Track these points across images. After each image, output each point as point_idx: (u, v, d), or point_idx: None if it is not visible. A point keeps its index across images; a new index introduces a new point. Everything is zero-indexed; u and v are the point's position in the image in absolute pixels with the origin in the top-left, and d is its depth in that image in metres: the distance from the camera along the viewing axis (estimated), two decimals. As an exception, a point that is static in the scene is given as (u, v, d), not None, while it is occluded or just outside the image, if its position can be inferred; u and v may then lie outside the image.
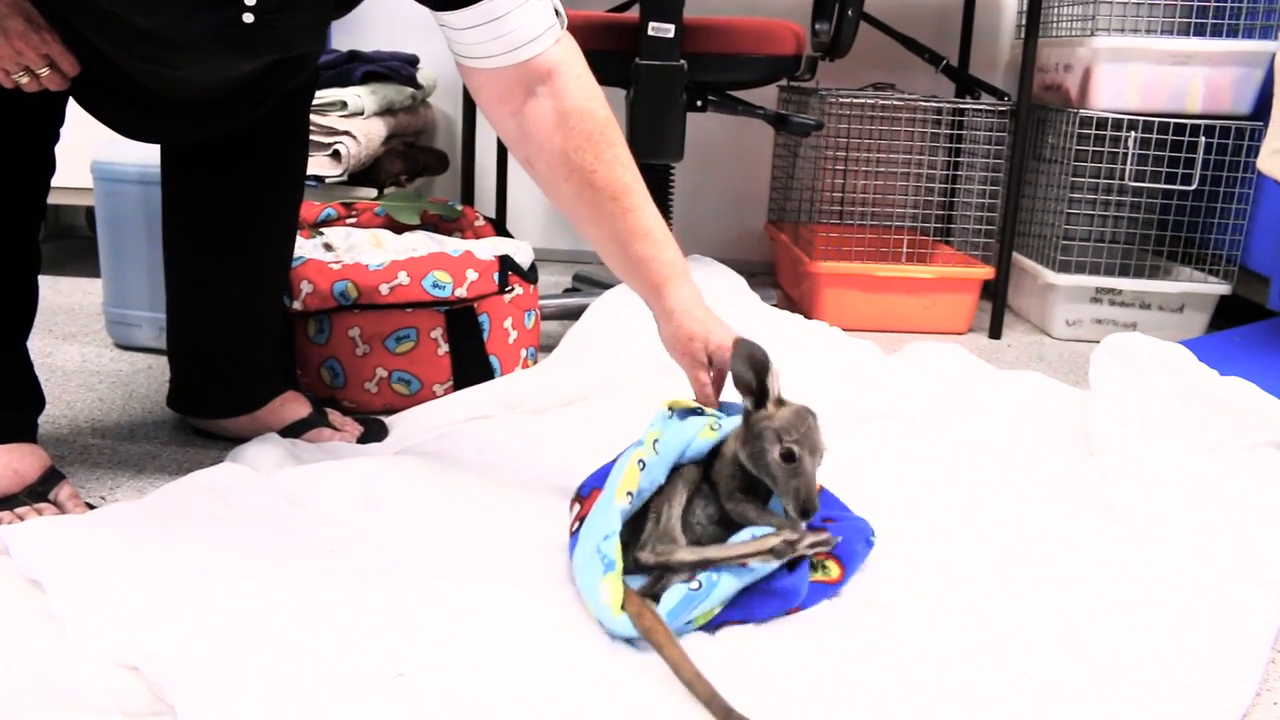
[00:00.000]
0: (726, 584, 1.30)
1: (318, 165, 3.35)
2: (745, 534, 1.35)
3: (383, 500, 1.68)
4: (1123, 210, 3.20)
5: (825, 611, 1.38)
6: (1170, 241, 3.25)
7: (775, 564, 1.31)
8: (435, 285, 2.09)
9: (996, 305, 3.14)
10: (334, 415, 2.02)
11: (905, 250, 3.16)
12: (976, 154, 3.37)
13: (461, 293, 2.11)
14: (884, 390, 2.24)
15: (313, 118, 3.32)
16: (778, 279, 3.73)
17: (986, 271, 3.15)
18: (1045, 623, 1.39)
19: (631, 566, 1.35)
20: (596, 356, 2.31)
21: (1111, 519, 1.73)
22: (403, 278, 2.07)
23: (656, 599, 1.31)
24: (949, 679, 1.25)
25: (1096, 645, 1.34)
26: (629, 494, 1.37)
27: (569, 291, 3.15)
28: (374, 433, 2.00)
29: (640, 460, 1.39)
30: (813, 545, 1.32)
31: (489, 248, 2.24)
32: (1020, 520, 1.71)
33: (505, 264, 2.19)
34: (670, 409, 1.47)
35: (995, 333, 3.15)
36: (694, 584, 1.29)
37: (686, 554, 1.33)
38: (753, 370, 1.40)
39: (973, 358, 2.50)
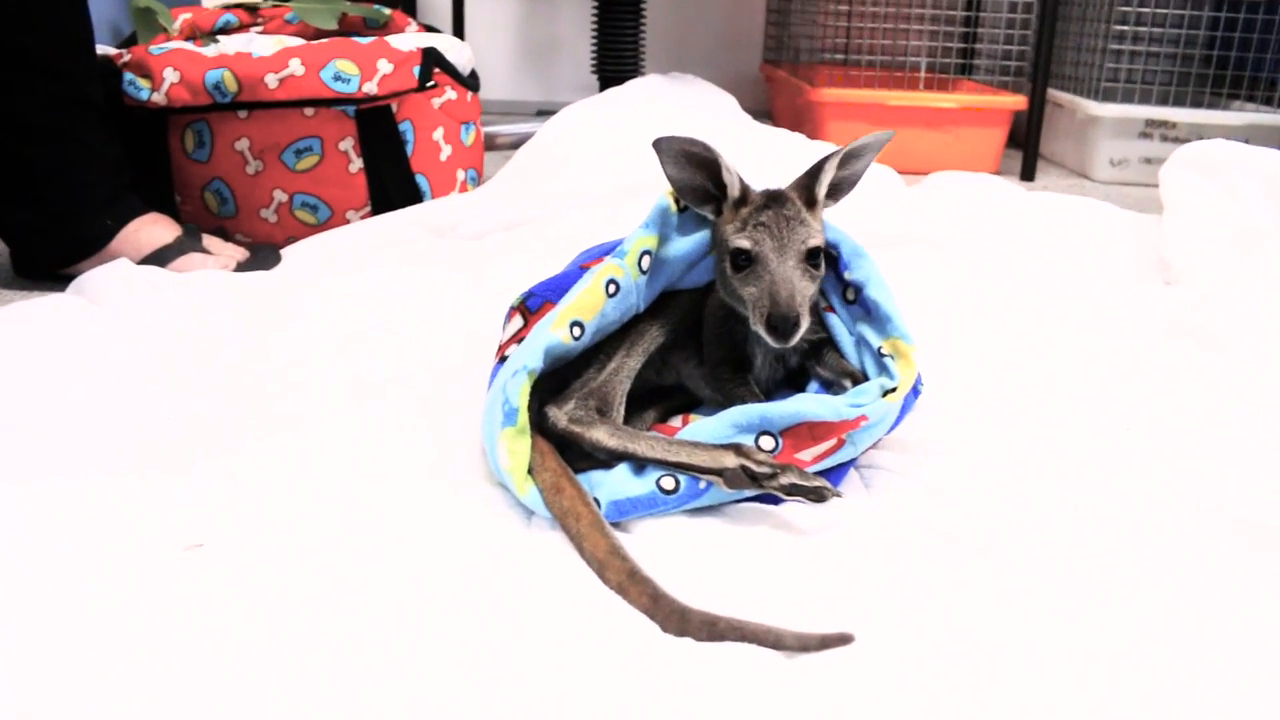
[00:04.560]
0: (714, 497, 0.88)
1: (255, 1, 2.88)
2: (726, 421, 0.91)
3: (244, 333, 1.27)
4: (1179, 27, 2.73)
5: (849, 484, 0.96)
6: (1235, 65, 2.78)
7: (728, 493, 0.87)
8: (337, 78, 1.64)
9: (1029, 140, 2.69)
10: (210, 240, 1.59)
11: (924, 74, 2.71)
12: (1005, -30, 2.89)
13: (371, 88, 1.66)
14: (909, 213, 1.81)
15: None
16: (775, 124, 3.27)
17: (1018, 100, 2.70)
18: (1147, 467, 0.99)
19: (535, 422, 0.92)
20: (550, 176, 1.86)
21: (1208, 347, 1.32)
22: (295, 67, 1.63)
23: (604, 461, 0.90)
24: (1032, 546, 0.85)
25: (1210, 489, 0.95)
26: (577, 325, 0.93)
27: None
28: (260, 259, 1.58)
29: (611, 281, 0.95)
30: (788, 488, 0.85)
31: (412, 40, 1.79)
32: (1098, 353, 1.30)
33: (430, 57, 1.74)
34: (675, 201, 1.00)
35: (1028, 174, 2.70)
36: (669, 482, 0.87)
37: (605, 435, 0.90)
38: (695, 167, 0.97)
39: (1010, 184, 2.07)
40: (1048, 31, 2.61)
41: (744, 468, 0.85)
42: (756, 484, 0.85)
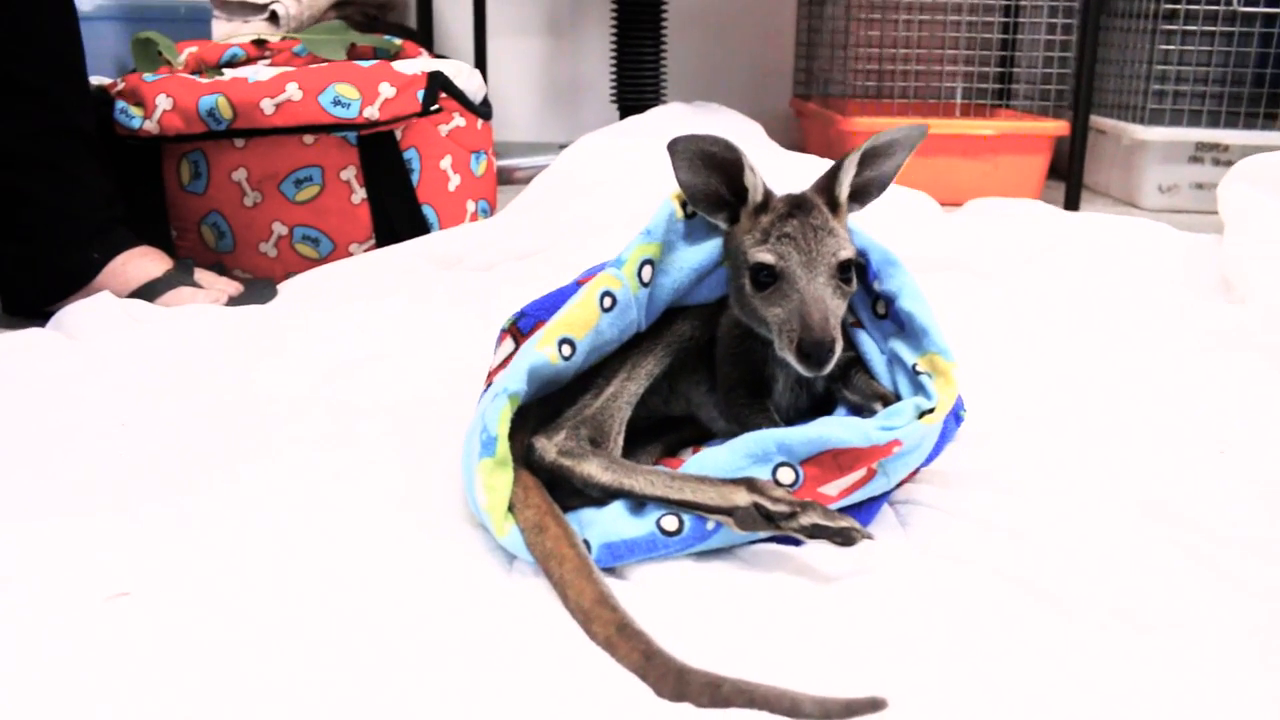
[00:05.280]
0: (724, 539, 0.76)
1: (255, 31, 2.84)
2: (739, 451, 0.80)
3: (223, 367, 1.18)
4: (1229, 44, 2.61)
5: (883, 522, 0.84)
6: (1288, 83, 2.65)
7: (740, 535, 0.75)
8: (337, 102, 1.56)
9: (1073, 167, 2.56)
10: (203, 274, 1.51)
11: (959, 101, 2.60)
12: (1042, -6, 2.79)
13: (372, 112, 1.58)
14: (947, 238, 1.69)
15: (247, -26, 2.82)
16: (806, 160, 3.17)
17: (1059, 126, 2.58)
18: (1229, 494, 0.87)
19: (522, 453, 0.82)
20: (566, 204, 1.77)
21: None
22: (293, 91, 1.55)
23: (600, 497, 0.79)
24: (1102, 587, 0.73)
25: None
26: (566, 343, 0.83)
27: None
28: (253, 294, 1.49)
29: (607, 293, 0.85)
30: (809, 529, 0.73)
31: (418, 65, 1.71)
32: (1160, 375, 1.18)
33: (435, 81, 1.66)
34: (683, 206, 0.90)
35: (1072, 203, 2.57)
36: (671, 522, 0.75)
37: (598, 469, 0.79)
38: (711, 169, 0.86)
39: (1053, 209, 1.95)
40: (1089, 55, 2.50)
41: (757, 506, 0.73)
42: (773, 525, 0.73)
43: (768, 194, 0.88)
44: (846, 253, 0.85)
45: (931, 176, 2.55)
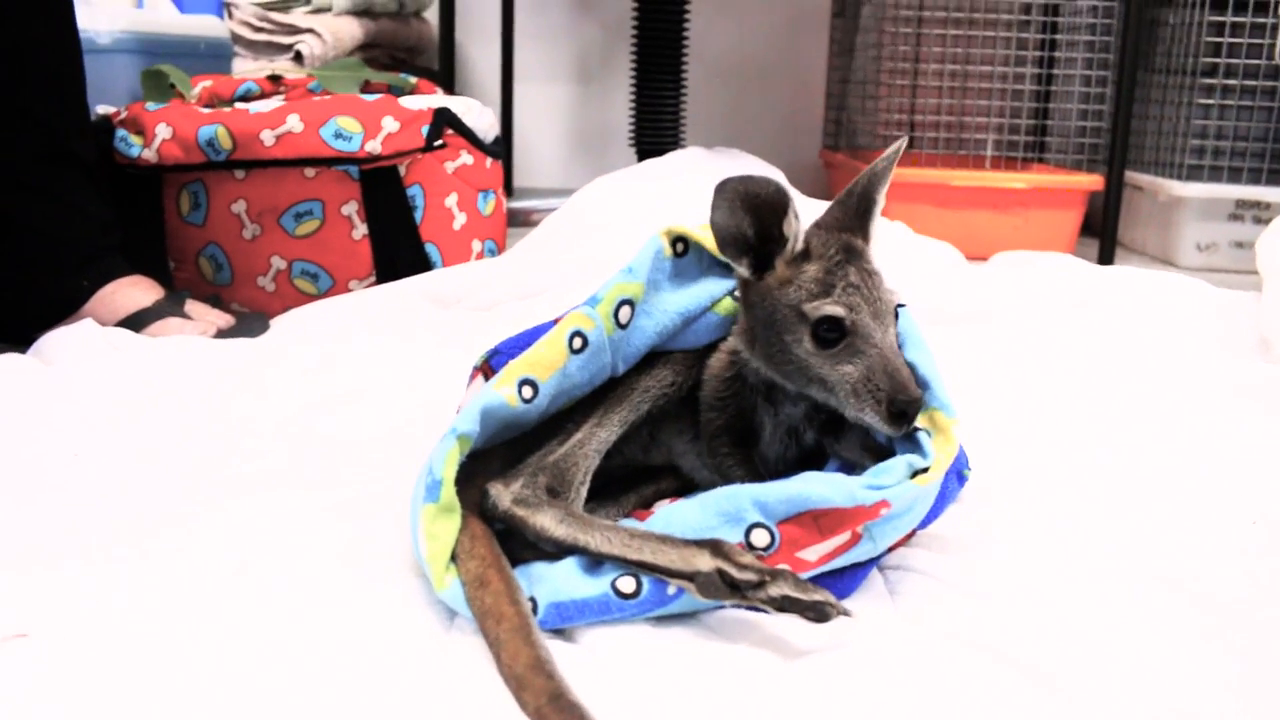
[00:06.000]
0: (685, 605, 0.69)
1: (278, 70, 2.84)
2: (710, 508, 0.73)
3: (191, 402, 1.13)
4: (1270, 100, 2.53)
5: (870, 590, 0.76)
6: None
7: (703, 601, 0.68)
8: (339, 135, 1.52)
9: (1107, 223, 2.48)
10: (194, 305, 1.47)
11: (990, 154, 2.54)
12: (1077, 46, 2.73)
13: (375, 147, 1.54)
14: (973, 290, 1.62)
15: (273, 15, 2.85)
16: (834, 211, 3.12)
17: (1093, 180, 2.50)
18: (1251, 569, 0.78)
19: (475, 500, 0.75)
20: (576, 244, 1.71)
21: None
22: (294, 123, 1.51)
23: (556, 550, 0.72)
24: (1110, 672, 0.65)
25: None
26: (528, 384, 0.76)
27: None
28: (244, 327, 1.45)
29: (577, 333, 0.79)
30: (779, 601, 0.65)
31: (426, 101, 1.67)
32: (1186, 437, 1.10)
33: (441, 117, 1.62)
34: (672, 244, 0.84)
35: (1105, 260, 2.49)
36: (628, 583, 0.68)
37: (552, 521, 0.72)
38: (748, 211, 0.78)
39: (1083, 263, 1.87)
40: (1124, 109, 2.43)
41: (721, 572, 0.65)
42: (738, 594, 0.65)
43: (809, 241, 0.81)
44: (897, 296, 0.79)
45: (961, 230, 2.48)
